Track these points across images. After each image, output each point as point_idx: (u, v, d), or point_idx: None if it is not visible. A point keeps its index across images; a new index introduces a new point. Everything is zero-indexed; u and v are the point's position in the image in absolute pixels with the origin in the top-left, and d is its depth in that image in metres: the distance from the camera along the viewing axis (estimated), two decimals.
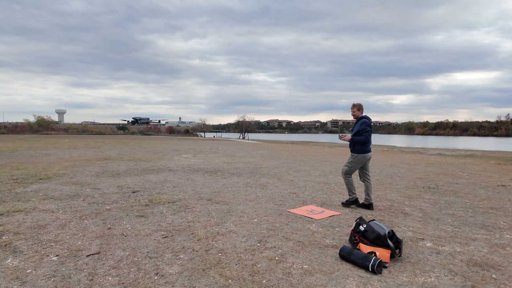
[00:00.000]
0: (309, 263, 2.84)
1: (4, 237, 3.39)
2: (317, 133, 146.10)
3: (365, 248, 2.89)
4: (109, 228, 3.76)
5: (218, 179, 7.55)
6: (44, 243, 3.26)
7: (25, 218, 4.08)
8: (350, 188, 5.06)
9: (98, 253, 3.02)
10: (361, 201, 5.07)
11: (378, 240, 2.91)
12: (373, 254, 2.76)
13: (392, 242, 2.89)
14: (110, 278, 2.51)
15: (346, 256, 2.84)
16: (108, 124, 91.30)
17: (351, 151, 5.00)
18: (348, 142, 4.95)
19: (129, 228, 3.79)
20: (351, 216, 4.45)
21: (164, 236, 3.51)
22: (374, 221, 3.19)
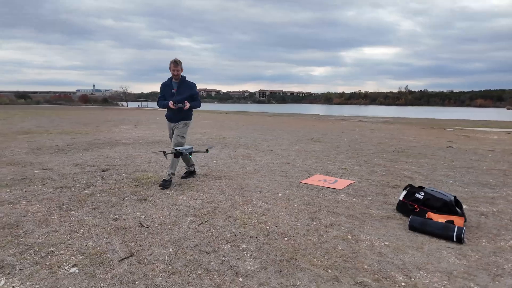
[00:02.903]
0: (385, 238, 2.61)
1: None
2: (246, 103, 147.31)
3: (435, 217, 2.78)
4: (115, 219, 2.93)
5: None
6: (36, 249, 2.34)
7: None
8: (185, 161, 4.50)
9: (132, 255, 2.27)
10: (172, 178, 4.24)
11: (445, 207, 2.83)
12: (452, 223, 2.66)
13: (458, 208, 2.84)
14: None
15: (420, 227, 2.69)
16: (1, 92, 76.09)
17: (183, 118, 4.24)
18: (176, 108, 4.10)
19: (143, 216, 3.02)
20: (366, 183, 4.37)
21: (198, 222, 2.87)
22: (430, 188, 3.10)
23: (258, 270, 2.09)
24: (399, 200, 3.21)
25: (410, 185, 3.22)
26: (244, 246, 2.43)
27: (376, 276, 2.04)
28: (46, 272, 2.03)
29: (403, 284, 1.95)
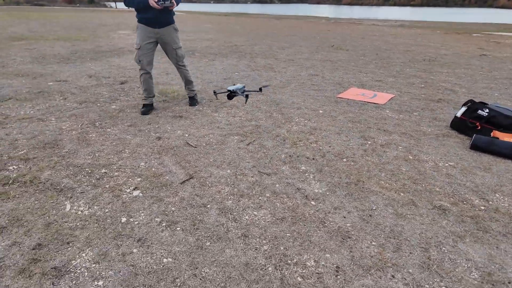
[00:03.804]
0: (447, 158, 2.50)
1: (5, 172, 2.22)
2: (246, 2, 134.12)
3: (501, 136, 2.61)
4: (158, 138, 2.78)
5: (208, 62, 6.29)
6: (89, 171, 2.23)
7: (9, 135, 2.77)
8: (185, 78, 3.58)
9: (191, 177, 2.18)
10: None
11: None
12: None
13: None
14: (255, 213, 1.82)
15: (485, 146, 2.55)
16: None
17: (170, 21, 3.21)
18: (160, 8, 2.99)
19: (186, 135, 2.86)
20: (407, 97, 4.11)
21: (246, 142, 2.72)
22: (495, 104, 2.86)
23: (327, 193, 2.02)
24: (456, 116, 3.00)
25: (471, 101, 2.97)
26: (303, 167, 2.33)
27: (452, 199, 1.97)
28: (109, 196, 1.95)
29: (482, 207, 1.89)
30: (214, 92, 3.25)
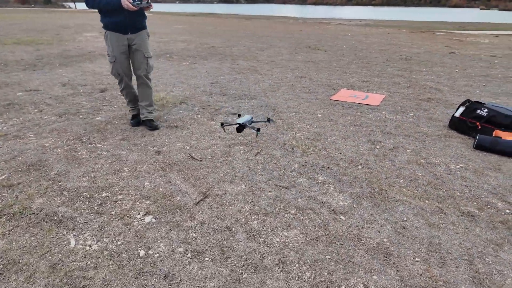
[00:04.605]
0: (457, 160, 2.51)
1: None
2: (212, 2, 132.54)
3: (504, 135, 2.67)
4: (158, 152, 2.55)
5: (189, 65, 6.05)
6: (87, 195, 1.98)
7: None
8: (146, 97, 3.05)
9: (206, 196, 2.00)
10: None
11: None
12: None
13: None
14: (286, 234, 1.69)
15: (490, 146, 2.59)
16: None
17: (143, 25, 2.77)
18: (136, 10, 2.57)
19: (187, 147, 2.66)
20: (398, 97, 4.15)
21: (254, 152, 2.57)
22: (492, 104, 2.93)
23: (354, 205, 1.93)
24: (455, 116, 3.05)
25: (468, 101, 3.03)
26: (320, 178, 2.23)
27: (475, 203, 1.96)
28: (118, 225, 1.73)
29: (507, 211, 1.89)
30: (222, 124, 2.80)
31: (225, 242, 1.62)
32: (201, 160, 2.44)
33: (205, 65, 6.04)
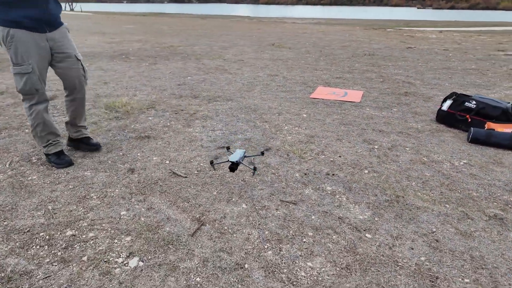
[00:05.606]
0: (458, 156, 2.40)
1: None
2: (162, 2, 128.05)
3: (496, 127, 2.63)
4: (131, 171, 2.11)
5: (149, 66, 5.51)
6: (45, 237, 1.52)
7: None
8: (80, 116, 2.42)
9: (202, 223, 1.63)
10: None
11: (504, 116, 2.68)
12: None
13: None
14: (311, 264, 1.39)
15: (484, 139, 2.53)
16: None
17: (61, 22, 2.08)
18: None
19: (167, 161, 2.25)
20: (375, 92, 4.06)
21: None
22: (479, 96, 2.89)
23: (375, 218, 1.69)
24: (442, 110, 2.98)
25: (455, 93, 2.98)
26: (328, 188, 1.97)
27: (496, 204, 1.83)
28: (95, 275, 1.31)
29: None
30: (211, 162, 2.03)
31: (240, 286, 1.29)
32: (186, 177, 2.06)
33: (167, 66, 5.55)
